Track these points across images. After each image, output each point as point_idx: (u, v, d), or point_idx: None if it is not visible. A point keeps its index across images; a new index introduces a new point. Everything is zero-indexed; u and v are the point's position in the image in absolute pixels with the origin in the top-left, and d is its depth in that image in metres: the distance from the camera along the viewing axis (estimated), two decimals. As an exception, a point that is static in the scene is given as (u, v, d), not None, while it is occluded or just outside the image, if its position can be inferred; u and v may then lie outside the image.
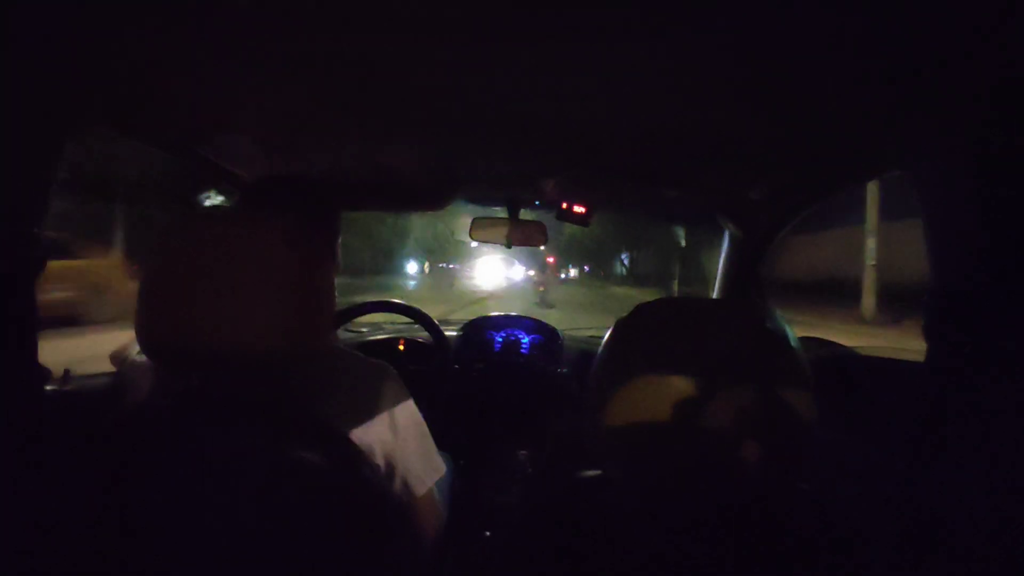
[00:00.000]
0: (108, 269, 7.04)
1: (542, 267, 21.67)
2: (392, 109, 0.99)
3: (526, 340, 2.13)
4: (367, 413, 0.87)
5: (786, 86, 0.84)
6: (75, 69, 0.80)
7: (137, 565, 0.64)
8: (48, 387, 1.04)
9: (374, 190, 1.66)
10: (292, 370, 0.74)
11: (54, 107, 0.82)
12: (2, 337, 0.76)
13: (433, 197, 1.71)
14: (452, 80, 0.85)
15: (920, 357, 0.87)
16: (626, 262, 32.73)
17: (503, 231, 1.85)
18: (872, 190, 10.64)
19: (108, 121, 0.98)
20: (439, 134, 1.15)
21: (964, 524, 0.74)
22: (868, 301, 11.28)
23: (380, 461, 0.85)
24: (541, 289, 18.01)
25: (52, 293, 5.41)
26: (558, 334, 2.17)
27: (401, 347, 2.05)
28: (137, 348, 1.02)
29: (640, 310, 0.62)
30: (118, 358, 1.14)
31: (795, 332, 0.60)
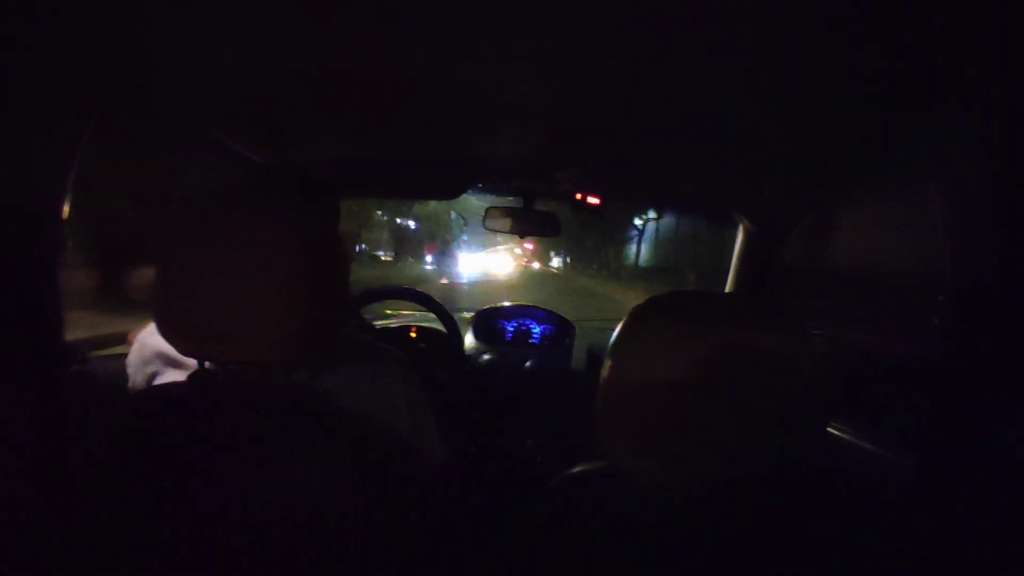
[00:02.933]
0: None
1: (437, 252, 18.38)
2: (402, 97, 0.99)
3: (537, 330, 2.14)
4: (376, 399, 0.88)
5: (802, 82, 0.83)
6: (94, 54, 0.81)
7: (146, 548, 0.66)
8: (71, 367, 1.06)
9: (384, 178, 1.66)
10: (305, 356, 0.75)
11: (73, 92, 0.83)
12: (29, 318, 0.77)
13: (444, 186, 1.71)
14: (464, 69, 0.85)
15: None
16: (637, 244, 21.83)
17: (515, 220, 1.85)
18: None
19: (124, 105, 0.99)
20: (450, 123, 1.15)
21: (975, 521, 0.75)
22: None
23: (388, 446, 0.86)
24: (444, 283, 15.87)
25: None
26: (570, 324, 2.18)
27: (413, 334, 2.07)
28: (152, 329, 1.03)
29: (654, 302, 0.62)
30: (135, 338, 1.16)
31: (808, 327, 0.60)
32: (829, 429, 1.09)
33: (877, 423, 1.06)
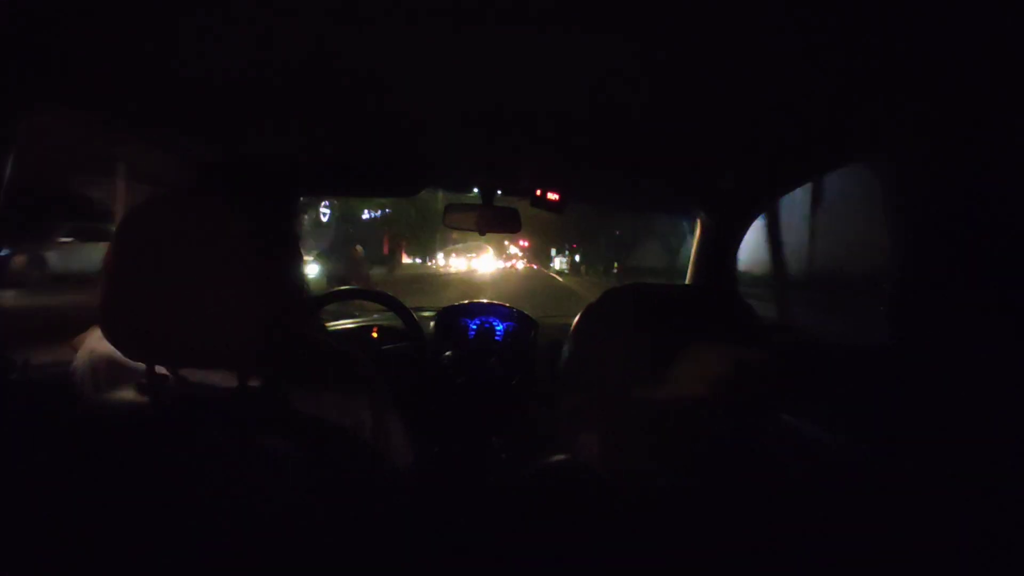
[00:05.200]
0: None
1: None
2: (359, 91, 0.97)
3: (500, 327, 2.13)
4: (338, 400, 0.86)
5: (754, 79, 0.84)
6: (27, 43, 0.77)
7: (98, 563, 0.63)
8: (8, 376, 1.02)
9: (340, 175, 1.64)
10: (261, 358, 0.73)
11: (2, 85, 0.79)
12: None
13: (403, 183, 1.69)
14: (422, 64, 0.84)
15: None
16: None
17: (476, 217, 1.84)
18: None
19: (60, 98, 0.95)
20: (408, 118, 1.14)
21: (923, 504, 0.77)
22: None
23: (351, 447, 0.85)
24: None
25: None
26: (533, 321, 2.18)
27: (374, 334, 2.04)
28: (98, 335, 0.99)
29: (609, 295, 0.63)
30: (79, 345, 1.11)
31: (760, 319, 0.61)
32: (792, 420, 1.12)
33: (836, 412, 1.09)
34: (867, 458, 0.93)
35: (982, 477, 0.72)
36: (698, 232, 1.83)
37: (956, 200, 0.78)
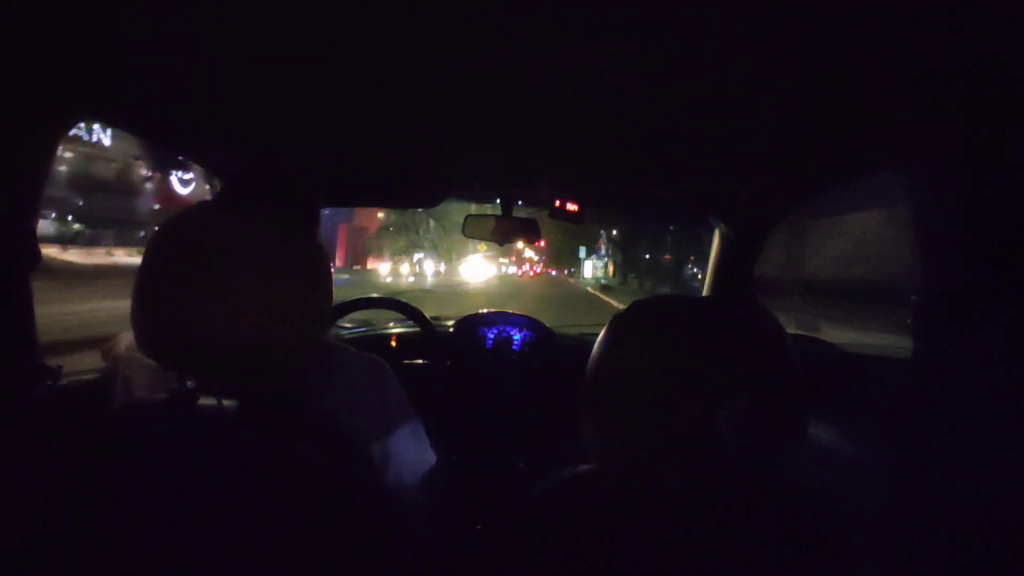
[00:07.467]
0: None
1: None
2: (382, 106, 0.99)
3: (518, 337, 2.14)
4: (360, 407, 0.88)
5: (775, 87, 0.85)
6: (68, 62, 0.80)
7: (126, 566, 0.64)
8: (44, 383, 1.04)
9: (362, 186, 1.66)
10: (287, 365, 0.74)
11: (46, 100, 0.81)
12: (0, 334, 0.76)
13: (424, 194, 1.71)
14: (444, 77, 0.85)
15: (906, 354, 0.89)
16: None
17: (495, 227, 1.86)
18: None
19: (97, 114, 0.98)
20: (430, 131, 1.15)
21: (946, 515, 0.76)
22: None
23: (372, 454, 0.86)
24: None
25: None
26: (551, 331, 2.18)
27: (393, 343, 2.06)
28: (127, 343, 1.01)
29: (636, 307, 0.63)
30: (108, 352, 1.13)
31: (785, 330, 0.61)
32: (815, 430, 1.11)
33: (853, 420, 1.08)
34: (888, 468, 0.92)
35: (1003, 487, 0.72)
36: (716, 242, 1.83)
37: (981, 208, 0.77)
